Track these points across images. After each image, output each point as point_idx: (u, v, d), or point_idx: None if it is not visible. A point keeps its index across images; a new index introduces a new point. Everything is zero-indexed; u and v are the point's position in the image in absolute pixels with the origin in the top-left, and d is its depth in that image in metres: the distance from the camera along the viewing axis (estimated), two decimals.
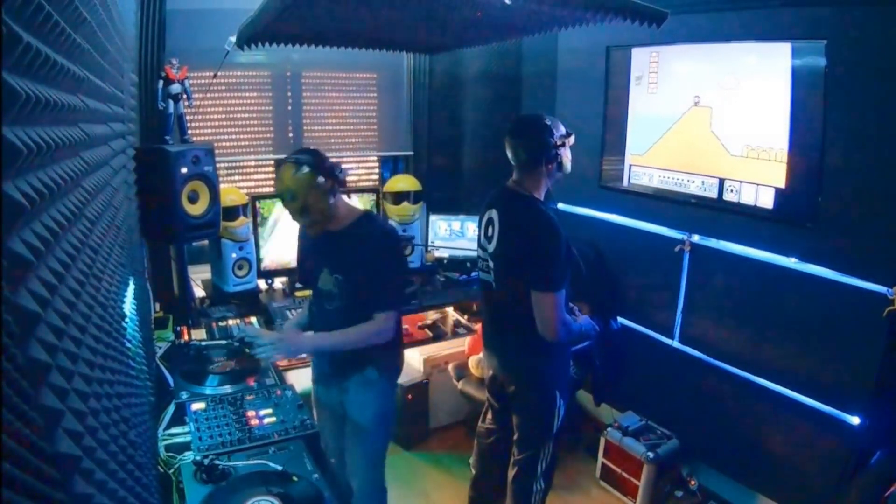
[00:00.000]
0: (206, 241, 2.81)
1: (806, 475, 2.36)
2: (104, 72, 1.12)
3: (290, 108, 3.24)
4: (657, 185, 2.86)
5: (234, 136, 3.11)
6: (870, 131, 2.06)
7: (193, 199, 2.32)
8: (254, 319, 2.69)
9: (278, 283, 3.09)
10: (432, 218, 3.38)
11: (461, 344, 3.25)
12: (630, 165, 2.98)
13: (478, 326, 2.83)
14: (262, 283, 2.99)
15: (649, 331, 2.97)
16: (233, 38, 2.13)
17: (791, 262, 2.33)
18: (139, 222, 2.01)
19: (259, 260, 2.92)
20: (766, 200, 2.39)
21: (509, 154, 2.02)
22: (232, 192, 2.75)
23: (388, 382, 1.99)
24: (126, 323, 1.09)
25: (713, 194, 2.60)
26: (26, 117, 0.54)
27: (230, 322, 2.57)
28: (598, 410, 3.24)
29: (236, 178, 3.24)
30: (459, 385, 3.01)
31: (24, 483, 0.44)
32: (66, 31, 0.69)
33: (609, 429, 2.85)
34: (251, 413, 1.76)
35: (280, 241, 2.98)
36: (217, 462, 1.46)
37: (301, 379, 2.51)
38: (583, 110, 3.15)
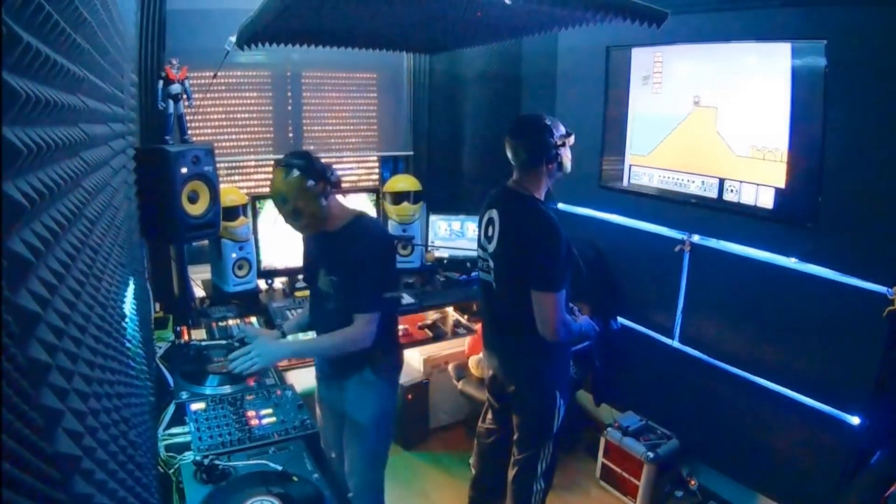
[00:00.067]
0: (206, 241, 2.81)
1: (806, 475, 2.36)
2: (104, 72, 1.12)
3: (290, 108, 3.24)
4: (657, 185, 2.86)
5: (234, 136, 3.11)
6: (870, 131, 2.06)
7: (193, 199, 2.32)
8: (254, 319, 2.69)
9: (278, 283, 3.09)
10: (432, 218, 3.38)
11: (461, 344, 3.25)
12: (630, 165, 2.98)
13: (478, 326, 2.83)
14: (262, 283, 2.99)
15: (649, 331, 2.97)
16: (233, 38, 2.13)
17: (791, 262, 2.33)
18: (139, 222, 2.01)
19: (259, 261, 2.92)
20: (766, 200, 2.39)
21: (509, 154, 2.02)
22: (232, 192, 2.75)
23: (386, 384, 1.99)
24: (126, 323, 1.09)
25: (713, 194, 2.60)
26: (26, 117, 0.54)
27: (230, 322, 2.57)
28: (598, 410, 3.25)
29: (236, 178, 3.24)
30: (459, 385, 3.01)
31: (24, 483, 0.44)
32: (66, 31, 0.69)
33: (609, 429, 2.85)
34: (251, 413, 1.76)
35: (280, 241, 2.98)
36: (217, 462, 1.46)
37: (301, 379, 2.52)
38: (583, 110, 3.15)
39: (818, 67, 2.14)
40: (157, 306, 2.58)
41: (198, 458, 1.49)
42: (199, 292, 2.90)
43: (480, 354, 2.67)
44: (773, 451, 2.48)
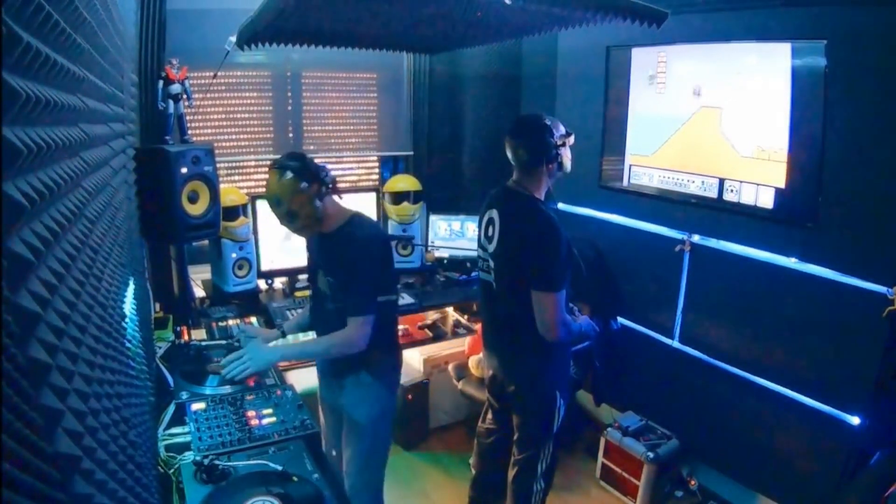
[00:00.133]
0: (206, 241, 2.81)
1: (806, 475, 2.36)
2: (104, 72, 1.12)
3: (290, 108, 3.24)
4: (657, 185, 2.86)
5: (234, 136, 3.11)
6: (870, 131, 2.06)
7: (193, 199, 2.32)
8: (254, 319, 2.69)
9: (278, 283, 3.09)
10: (432, 218, 3.38)
11: (461, 344, 3.25)
12: (630, 165, 2.98)
13: (478, 326, 2.83)
14: (262, 283, 2.99)
15: (649, 331, 2.97)
16: (233, 38, 2.13)
17: (791, 262, 2.33)
18: (139, 222, 2.01)
19: (258, 261, 2.92)
20: (766, 200, 2.39)
21: (509, 154, 2.02)
22: (232, 192, 2.75)
23: (383, 386, 1.98)
24: (126, 323, 1.09)
25: (713, 194, 2.60)
26: (26, 117, 0.54)
27: (230, 322, 2.57)
28: (598, 410, 3.25)
29: (236, 178, 3.24)
30: (459, 385, 3.01)
31: (24, 483, 0.44)
32: (66, 31, 0.69)
33: (609, 429, 2.85)
34: (251, 413, 1.76)
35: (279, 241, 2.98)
36: (217, 462, 1.46)
37: (301, 379, 2.52)
38: (583, 110, 3.15)
39: (818, 67, 2.14)
40: (157, 306, 2.58)
41: (198, 458, 1.49)
42: (199, 292, 2.90)
43: (480, 354, 2.67)
44: (773, 451, 2.48)
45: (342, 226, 1.87)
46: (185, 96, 2.39)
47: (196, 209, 2.32)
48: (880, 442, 1.90)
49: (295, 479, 1.45)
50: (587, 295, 2.43)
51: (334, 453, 2.12)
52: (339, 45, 2.57)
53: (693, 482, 2.75)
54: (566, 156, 2.01)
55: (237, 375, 1.80)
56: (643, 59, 2.82)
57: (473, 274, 3.19)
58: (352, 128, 3.42)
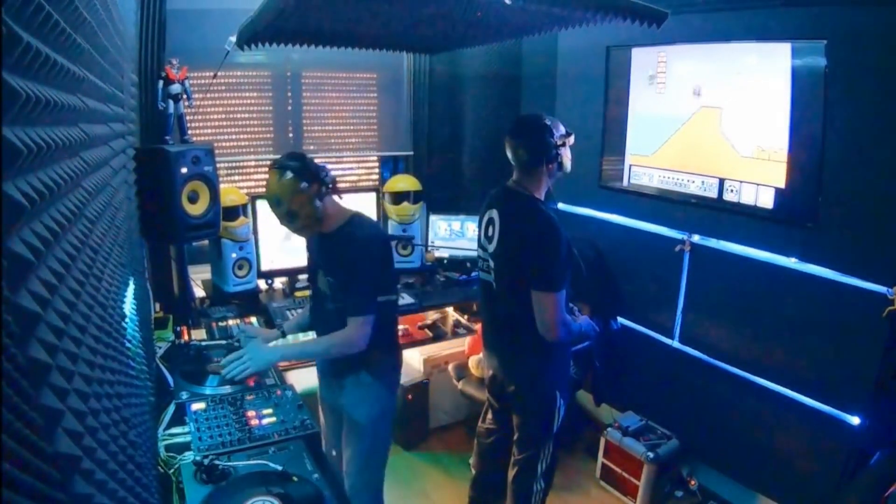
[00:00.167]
0: (206, 241, 2.81)
1: (806, 475, 2.36)
2: (104, 72, 1.12)
3: (290, 108, 3.24)
4: (657, 185, 2.86)
5: (234, 136, 3.11)
6: (870, 131, 2.06)
7: (193, 199, 2.32)
8: (254, 319, 2.69)
9: (278, 283, 3.09)
10: (432, 218, 3.38)
11: (461, 344, 3.25)
12: (630, 165, 2.98)
13: (478, 326, 2.83)
14: (262, 283, 2.99)
15: (649, 331, 2.97)
16: (233, 38, 2.13)
17: (791, 262, 2.33)
18: (139, 222, 2.01)
19: (258, 261, 2.92)
20: (766, 200, 2.39)
21: (509, 154, 2.02)
22: (232, 192, 2.75)
23: (383, 386, 1.98)
24: (126, 323, 1.09)
25: (713, 194, 2.60)
26: (26, 117, 0.54)
27: (230, 322, 2.57)
28: (598, 410, 3.25)
29: (236, 178, 3.24)
30: (459, 385, 3.01)
31: (24, 483, 0.44)
32: (66, 31, 0.69)
33: (609, 429, 2.85)
34: (251, 413, 1.76)
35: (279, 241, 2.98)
36: (217, 462, 1.46)
37: (301, 379, 2.52)
38: (583, 110, 3.15)
39: (818, 67, 2.14)
40: (157, 306, 2.58)
41: (198, 458, 1.49)
42: (199, 292, 2.90)
43: (480, 354, 2.67)
44: (773, 451, 2.48)
45: (342, 226, 1.87)
46: (185, 96, 2.39)
47: (196, 209, 2.32)
48: (880, 442, 1.90)
49: (295, 479, 1.45)
50: (587, 295, 2.43)
51: (334, 453, 2.12)
52: (339, 45, 2.57)
53: (693, 482, 2.75)
54: (566, 156, 2.01)
55: (237, 376, 1.80)
56: (643, 59, 2.82)
57: (473, 274, 3.19)
58: (352, 128, 3.42)
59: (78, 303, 0.67)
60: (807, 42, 2.18)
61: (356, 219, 1.90)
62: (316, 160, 1.86)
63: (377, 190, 3.27)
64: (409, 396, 3.07)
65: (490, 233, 2.07)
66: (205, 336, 2.46)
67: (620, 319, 3.07)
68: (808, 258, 2.27)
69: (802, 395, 2.34)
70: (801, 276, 2.29)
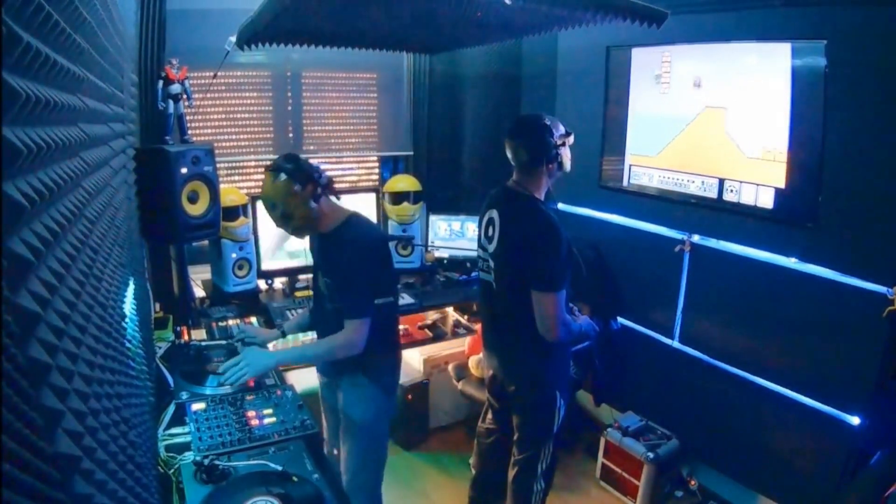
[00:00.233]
0: (206, 241, 2.81)
1: (806, 475, 2.36)
2: (104, 72, 1.12)
3: (290, 108, 3.24)
4: (657, 185, 2.86)
5: (234, 136, 3.11)
6: (870, 131, 2.06)
7: (193, 199, 2.32)
8: (254, 319, 2.69)
9: (278, 283, 3.09)
10: (432, 218, 3.38)
11: (461, 344, 3.25)
12: (630, 165, 2.98)
13: (478, 326, 2.83)
14: (262, 284, 2.99)
15: (649, 331, 2.97)
16: (233, 38, 2.13)
17: (791, 262, 2.33)
18: (139, 222, 2.01)
19: (259, 261, 2.92)
20: (766, 200, 2.39)
21: (509, 155, 2.02)
22: (232, 192, 2.75)
23: (378, 388, 1.97)
24: (126, 323, 1.09)
25: (713, 194, 2.60)
26: (26, 117, 0.54)
27: (230, 322, 2.57)
28: (598, 410, 3.25)
29: (236, 178, 3.24)
30: (459, 385, 3.01)
31: (24, 483, 0.44)
32: (66, 31, 0.69)
33: (609, 429, 2.85)
34: (251, 413, 1.76)
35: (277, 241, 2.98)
36: (217, 462, 1.46)
37: (301, 379, 2.52)
38: (583, 110, 3.15)
39: (818, 67, 2.14)
40: (157, 306, 2.58)
41: (198, 458, 1.49)
42: (199, 292, 2.90)
43: (480, 354, 2.67)
44: (773, 451, 2.48)
45: (338, 227, 1.87)
46: (185, 96, 2.39)
47: (196, 209, 2.32)
48: (880, 442, 1.91)
49: (295, 479, 1.45)
50: (587, 295, 2.43)
51: (336, 452, 2.13)
52: (338, 45, 2.57)
53: (693, 482, 2.75)
54: (566, 155, 2.01)
55: (236, 381, 1.80)
56: (648, 59, 2.80)
57: (473, 274, 3.19)
58: (352, 128, 3.42)
59: (78, 303, 0.67)
60: (807, 42, 2.18)
61: (352, 220, 1.89)
62: (316, 160, 1.86)
63: (377, 190, 3.27)
64: (409, 396, 3.07)
65: (490, 233, 2.07)
66: (205, 336, 2.46)
67: (620, 319, 3.07)
68: (808, 258, 2.27)
69: (802, 395, 2.34)
70: (801, 276, 2.29)
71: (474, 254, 2.27)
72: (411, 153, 3.55)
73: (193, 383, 1.93)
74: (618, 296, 3.09)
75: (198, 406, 1.78)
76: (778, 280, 2.37)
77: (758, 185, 2.42)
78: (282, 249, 3.00)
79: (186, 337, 2.33)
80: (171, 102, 2.37)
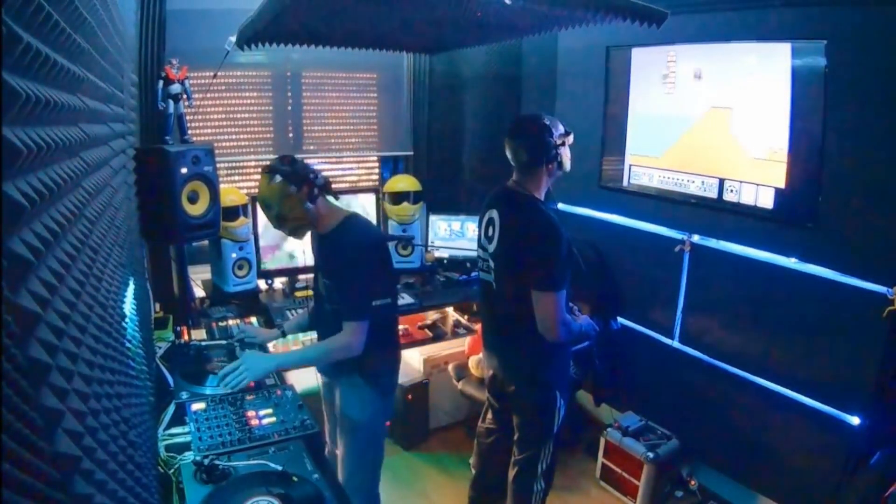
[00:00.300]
0: (206, 241, 2.81)
1: (806, 475, 2.36)
2: (104, 72, 1.12)
3: (290, 108, 3.24)
4: (657, 185, 2.86)
5: (234, 136, 3.11)
6: (870, 131, 2.06)
7: (193, 199, 2.32)
8: (254, 319, 2.69)
9: (278, 283, 3.09)
10: (432, 218, 3.38)
11: (461, 344, 3.25)
12: (630, 165, 2.98)
13: (478, 326, 2.83)
14: (262, 284, 2.99)
15: (649, 331, 2.97)
16: (233, 38, 2.13)
17: (791, 262, 2.33)
18: (139, 222, 2.01)
19: (259, 261, 2.92)
20: (766, 200, 2.39)
21: (509, 155, 2.02)
22: (232, 193, 2.75)
23: (375, 390, 1.96)
24: (126, 323, 1.09)
25: (713, 194, 2.60)
26: (26, 117, 0.54)
27: (230, 322, 2.57)
28: (598, 410, 3.25)
29: (236, 178, 3.24)
30: (459, 385, 3.01)
31: (24, 483, 0.44)
32: (66, 31, 0.69)
33: (609, 429, 2.85)
34: (251, 413, 1.76)
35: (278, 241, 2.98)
36: (217, 462, 1.46)
37: (301, 379, 2.52)
38: (583, 110, 3.15)
39: (818, 67, 2.14)
40: (157, 306, 2.58)
41: (198, 458, 1.49)
42: (199, 292, 2.90)
43: (480, 354, 2.67)
44: (773, 451, 2.48)
45: (336, 228, 1.86)
46: (185, 96, 2.39)
47: (196, 209, 2.32)
48: (880, 442, 1.91)
49: (295, 479, 1.45)
50: (587, 295, 2.43)
51: (337, 451, 2.13)
52: (338, 45, 2.57)
53: (693, 482, 2.75)
54: (566, 155, 2.01)
55: (236, 386, 1.80)
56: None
57: (473, 274, 3.19)
58: (352, 128, 3.42)
59: (78, 303, 0.67)
60: (807, 42, 2.18)
61: (350, 221, 1.88)
62: (316, 160, 1.85)
63: (377, 190, 3.27)
64: (409, 396, 3.07)
65: (490, 233, 2.07)
66: (205, 336, 2.46)
67: (620, 319, 3.07)
68: (808, 258, 2.27)
69: (802, 395, 2.34)
70: (801, 276, 2.29)
71: (474, 254, 2.27)
72: (411, 153, 3.55)
73: (193, 383, 1.93)
74: (618, 296, 3.09)
75: (198, 406, 1.78)
76: (778, 280, 2.37)
77: (758, 185, 2.42)
78: (281, 249, 3.00)
79: (186, 337, 2.33)
80: (171, 102, 2.36)
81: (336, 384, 2.01)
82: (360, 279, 1.81)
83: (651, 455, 2.63)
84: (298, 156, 1.88)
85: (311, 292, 2.44)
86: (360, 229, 1.90)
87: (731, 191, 2.52)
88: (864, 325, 2.05)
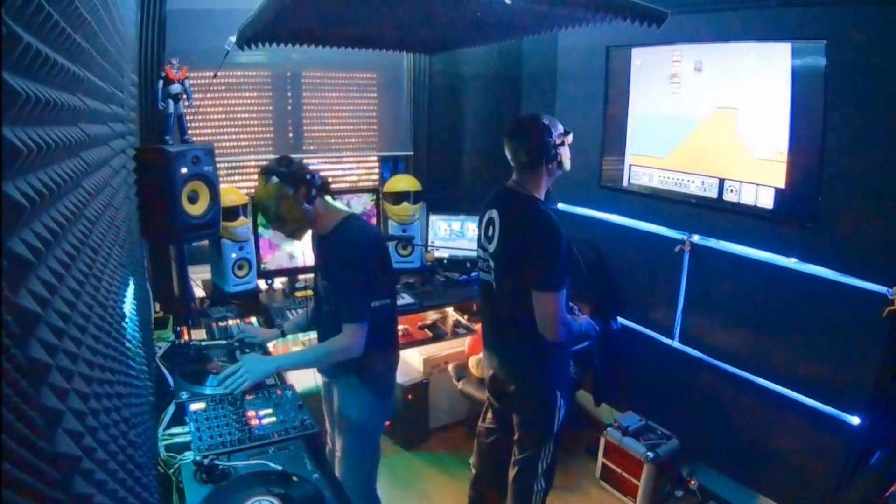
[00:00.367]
0: (206, 241, 2.81)
1: (806, 475, 2.36)
2: (104, 72, 1.12)
3: (290, 108, 3.24)
4: (657, 185, 2.86)
5: (234, 136, 3.11)
6: (870, 131, 2.06)
7: (193, 199, 2.32)
8: (254, 319, 2.69)
9: (278, 283, 3.09)
10: (432, 218, 3.38)
11: (461, 344, 3.25)
12: (630, 165, 2.98)
13: (478, 326, 2.83)
14: (262, 284, 2.99)
15: (649, 331, 2.97)
16: (233, 38, 2.13)
17: (791, 262, 2.33)
18: (139, 222, 2.01)
19: (259, 261, 2.92)
20: (766, 200, 2.39)
21: (509, 156, 2.02)
22: (232, 192, 2.75)
23: (372, 391, 1.96)
24: (126, 323, 1.09)
25: (713, 194, 2.60)
26: (26, 117, 0.54)
27: (230, 322, 2.56)
28: (598, 410, 3.25)
29: (236, 178, 3.24)
30: (459, 385, 3.01)
31: (24, 483, 0.44)
32: (66, 31, 0.69)
33: (609, 429, 2.85)
34: (251, 413, 1.76)
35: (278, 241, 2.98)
36: (217, 462, 1.46)
37: (301, 379, 2.52)
38: (583, 110, 3.15)
39: (818, 67, 2.14)
40: (157, 306, 2.58)
41: (198, 458, 1.49)
42: (199, 292, 2.90)
43: (480, 354, 2.67)
44: (773, 451, 2.48)
45: (334, 228, 1.86)
46: (185, 96, 2.39)
47: (196, 209, 2.32)
48: (880, 442, 1.90)
49: (295, 479, 1.45)
50: (587, 295, 2.43)
51: (338, 455, 2.13)
52: (338, 45, 2.57)
53: (693, 482, 2.75)
54: (565, 154, 2.01)
55: (236, 389, 1.80)
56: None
57: (473, 274, 3.19)
58: (352, 128, 3.42)
59: (78, 303, 0.67)
60: (807, 42, 2.18)
61: (348, 222, 1.87)
62: (316, 160, 1.86)
63: (377, 190, 3.27)
64: (409, 396, 3.07)
65: (490, 233, 2.07)
66: (205, 336, 2.46)
67: (620, 319, 3.07)
68: (808, 258, 2.27)
69: (802, 395, 2.34)
70: (801, 276, 2.29)
71: (474, 254, 2.27)
72: (411, 153, 3.54)
73: (193, 383, 1.92)
74: (618, 296, 3.09)
75: (198, 406, 1.78)
76: (778, 280, 2.37)
77: (758, 185, 2.42)
78: (282, 249, 3.01)
79: (186, 337, 2.33)
80: (171, 102, 2.36)
81: (334, 384, 2.01)
82: (358, 280, 1.80)
83: (651, 455, 2.63)
84: (298, 156, 1.89)
85: (310, 292, 2.44)
86: (359, 230, 1.89)
87: (731, 191, 2.52)
88: (864, 325, 2.06)
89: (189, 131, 2.50)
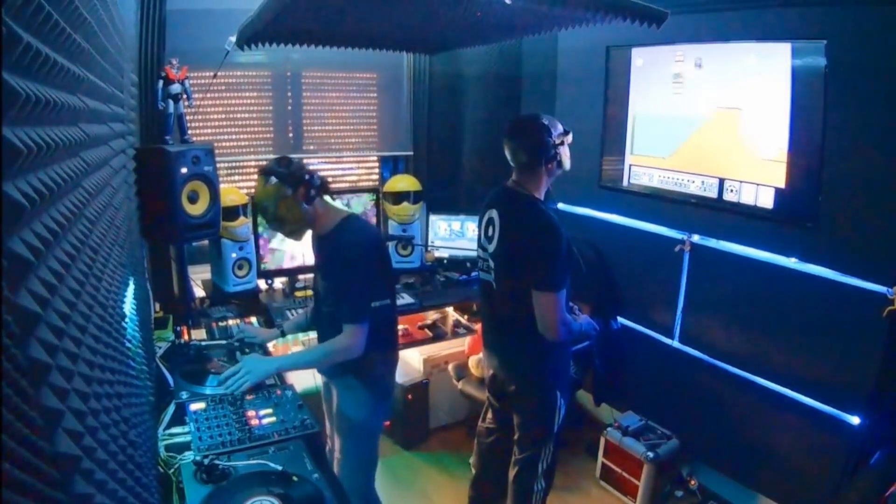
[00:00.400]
0: (206, 241, 2.81)
1: (806, 475, 2.36)
2: (104, 72, 1.12)
3: (290, 108, 3.24)
4: (657, 185, 2.86)
5: (234, 136, 3.11)
6: (870, 131, 2.06)
7: (193, 199, 2.32)
8: (254, 319, 2.69)
9: (278, 283, 3.09)
10: (432, 218, 3.38)
11: (461, 344, 3.25)
12: (630, 165, 2.98)
13: (478, 326, 2.83)
14: (262, 283, 2.99)
15: (649, 331, 2.97)
16: (233, 38, 2.13)
17: (791, 262, 2.33)
18: (139, 222, 2.01)
19: (258, 261, 2.92)
20: (766, 200, 2.39)
21: (508, 156, 2.02)
22: (232, 192, 2.75)
23: (370, 391, 1.96)
24: (126, 323, 1.09)
25: (713, 194, 2.60)
26: (26, 117, 0.54)
27: (230, 322, 2.56)
28: (598, 410, 3.25)
29: (236, 178, 3.24)
30: (459, 385, 3.01)
31: (24, 483, 0.44)
32: (66, 31, 0.69)
33: (609, 429, 2.85)
34: (251, 413, 1.76)
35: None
36: (217, 462, 1.46)
37: (301, 379, 2.52)
38: (583, 110, 3.15)
39: (818, 67, 2.14)
40: (157, 306, 2.58)
41: (198, 458, 1.49)
42: (199, 292, 2.90)
43: (480, 354, 2.67)
44: (773, 451, 2.48)
45: (333, 229, 1.86)
46: (185, 96, 2.39)
47: (196, 209, 2.32)
48: (880, 442, 1.90)
49: (295, 479, 1.45)
50: (587, 295, 2.43)
51: (338, 456, 2.13)
52: (339, 45, 2.57)
53: (693, 482, 2.75)
54: (565, 154, 2.01)
55: (237, 390, 1.80)
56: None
57: (473, 274, 3.18)
58: (352, 128, 3.42)
59: (78, 303, 0.67)
60: (807, 42, 2.18)
61: (347, 222, 1.87)
62: (316, 160, 1.86)
63: (377, 190, 3.27)
64: (409, 396, 3.07)
65: (490, 233, 2.07)
66: (205, 336, 2.45)
67: (620, 319, 3.07)
68: (808, 258, 2.27)
69: (802, 395, 2.34)
70: (801, 276, 2.29)
71: (474, 254, 2.27)
72: (411, 153, 3.54)
73: (193, 383, 1.92)
74: (618, 296, 3.09)
75: (198, 406, 1.78)
76: (778, 280, 2.37)
77: (758, 184, 2.42)
78: (282, 250, 3.00)
79: (186, 337, 2.33)
80: (171, 102, 2.36)
81: (333, 384, 2.02)
82: (358, 280, 1.80)
83: (651, 455, 2.63)
84: (298, 156, 1.89)
85: (311, 292, 2.44)
86: (359, 230, 1.89)
87: (732, 190, 2.52)
88: (864, 325, 2.06)
89: (189, 131, 2.50)
